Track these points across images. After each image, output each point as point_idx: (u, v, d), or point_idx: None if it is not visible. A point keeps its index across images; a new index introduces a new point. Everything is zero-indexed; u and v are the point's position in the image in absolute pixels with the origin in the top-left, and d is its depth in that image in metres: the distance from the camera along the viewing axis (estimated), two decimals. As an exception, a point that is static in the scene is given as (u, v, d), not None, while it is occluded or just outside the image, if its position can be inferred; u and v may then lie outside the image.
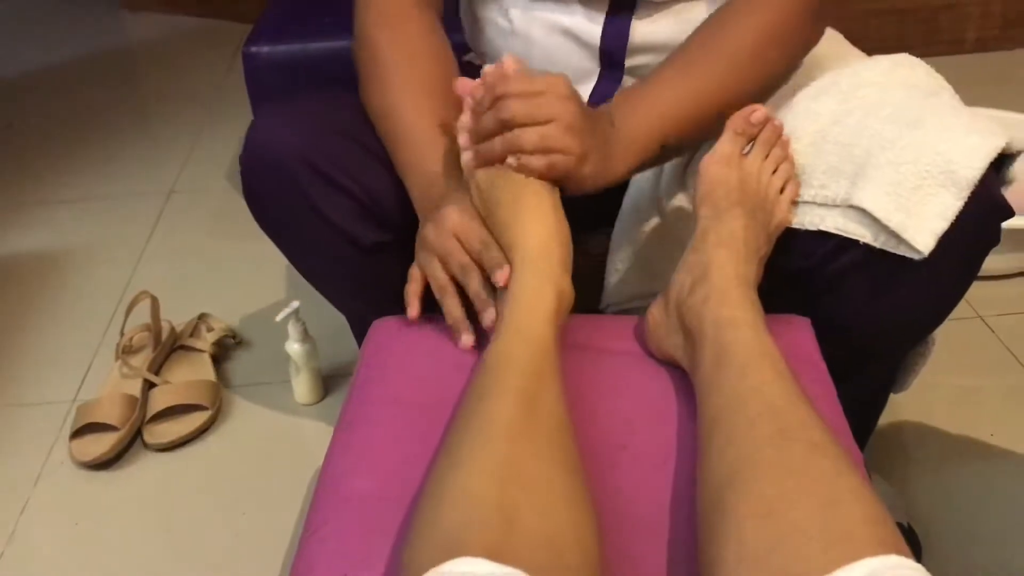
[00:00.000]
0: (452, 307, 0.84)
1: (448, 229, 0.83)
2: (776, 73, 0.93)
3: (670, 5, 0.97)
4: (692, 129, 0.90)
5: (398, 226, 0.94)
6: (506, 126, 0.82)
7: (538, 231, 0.81)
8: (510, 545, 0.56)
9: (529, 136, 0.81)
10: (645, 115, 0.87)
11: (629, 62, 1.00)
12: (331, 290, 1.08)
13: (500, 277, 0.80)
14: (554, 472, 0.64)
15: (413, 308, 0.86)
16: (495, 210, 0.83)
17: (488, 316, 0.81)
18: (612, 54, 1.00)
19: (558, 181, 0.84)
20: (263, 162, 0.94)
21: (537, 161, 0.81)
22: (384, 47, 0.95)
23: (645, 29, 0.98)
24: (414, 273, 0.87)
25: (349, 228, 0.94)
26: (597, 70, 1.01)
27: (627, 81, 1.01)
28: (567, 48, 1.01)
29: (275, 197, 0.95)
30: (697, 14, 0.95)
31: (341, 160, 0.93)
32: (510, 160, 0.82)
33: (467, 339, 0.84)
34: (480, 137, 0.84)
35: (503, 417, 0.67)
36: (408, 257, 0.87)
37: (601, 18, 0.98)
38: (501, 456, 0.64)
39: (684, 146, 0.93)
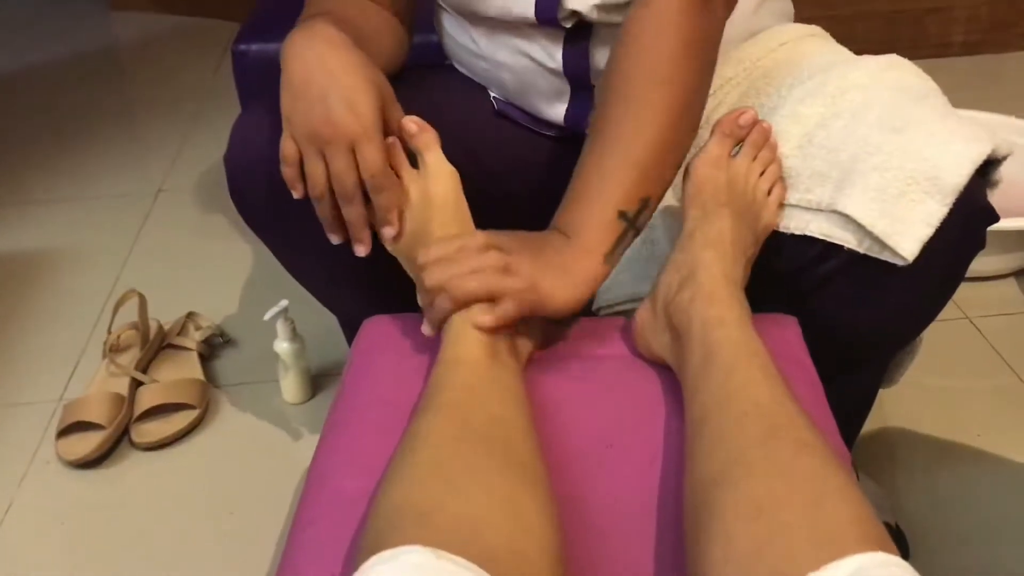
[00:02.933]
0: (362, 212, 0.82)
1: (334, 117, 0.79)
2: (702, 76, 0.87)
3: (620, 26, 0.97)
4: (652, 186, 0.83)
5: None
6: (438, 291, 0.79)
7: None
8: (421, 534, 0.57)
9: (465, 289, 0.77)
10: (591, 204, 0.82)
11: (597, 83, 1.00)
12: (319, 288, 1.08)
13: (388, 233, 0.81)
14: (480, 460, 0.65)
15: (297, 191, 0.83)
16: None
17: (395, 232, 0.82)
18: (578, 77, 0.99)
19: (533, 313, 0.79)
20: (247, 160, 0.94)
21: (484, 315, 0.76)
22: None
23: (605, 53, 0.97)
24: (286, 153, 0.82)
25: None
26: (568, 90, 1.01)
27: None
28: (534, 71, 1.01)
29: (260, 195, 0.95)
30: None
31: None
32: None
33: (369, 245, 0.83)
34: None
35: (431, 429, 0.68)
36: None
37: (560, 46, 0.98)
38: (422, 459, 0.65)
39: (654, 203, 0.85)
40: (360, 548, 0.60)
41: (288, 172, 0.83)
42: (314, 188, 0.82)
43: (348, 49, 0.82)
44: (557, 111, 1.02)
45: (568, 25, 0.95)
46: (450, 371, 0.75)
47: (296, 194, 0.84)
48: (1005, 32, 2.47)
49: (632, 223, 0.82)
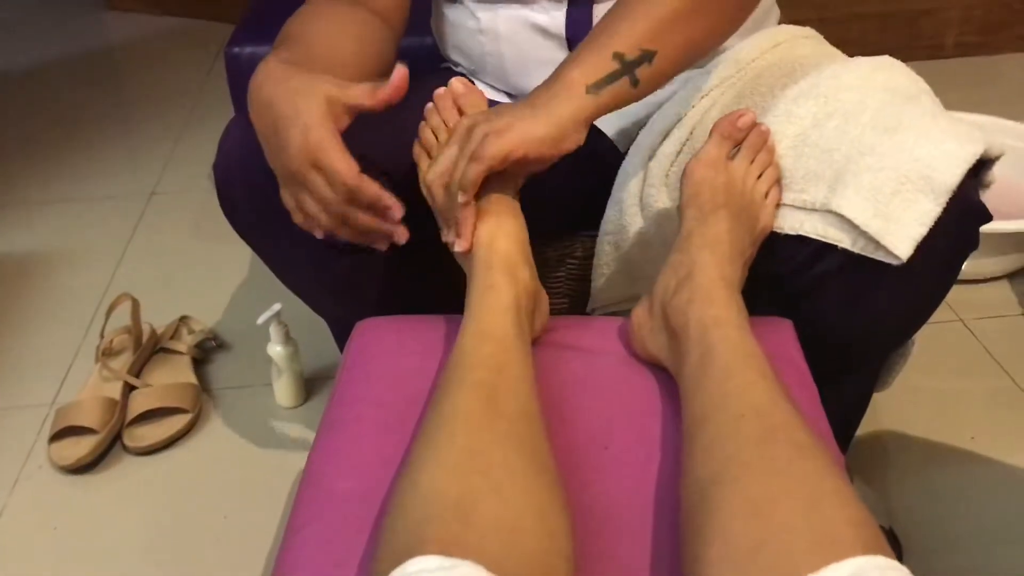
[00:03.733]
0: (362, 218, 0.80)
1: (289, 148, 0.78)
2: (702, 44, 0.88)
3: None
4: (659, 43, 0.82)
5: None
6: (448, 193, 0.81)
7: (483, 228, 0.82)
8: (464, 537, 0.56)
9: (467, 177, 0.79)
10: (586, 45, 0.83)
11: None
12: (309, 294, 1.07)
13: (395, 234, 0.80)
14: (514, 457, 0.64)
15: (392, 228, 0.81)
16: None
17: (397, 208, 0.79)
18: (579, 43, 1.00)
19: (519, 164, 0.79)
20: (235, 170, 0.93)
21: (474, 167, 0.78)
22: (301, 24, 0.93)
23: None
24: (285, 205, 0.83)
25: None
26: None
27: None
28: (535, 41, 1.01)
29: (248, 202, 0.95)
30: None
31: None
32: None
33: (403, 230, 0.81)
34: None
35: (461, 410, 0.67)
36: (385, 259, 0.86)
37: (563, 10, 0.98)
38: (459, 448, 0.64)
39: (658, 62, 0.83)
40: (391, 533, 0.59)
41: (298, 220, 0.83)
42: (318, 221, 0.82)
43: (286, 79, 0.81)
44: None
45: None
46: (478, 345, 0.74)
47: (319, 235, 0.83)
48: (998, 34, 2.48)
49: (627, 67, 0.81)
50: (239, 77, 1.66)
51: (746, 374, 0.71)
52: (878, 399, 1.09)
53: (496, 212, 0.83)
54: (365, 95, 0.80)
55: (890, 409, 1.34)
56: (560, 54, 1.00)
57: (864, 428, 1.14)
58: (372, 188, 0.78)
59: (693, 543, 0.61)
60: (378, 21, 0.98)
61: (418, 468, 0.64)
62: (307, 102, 0.78)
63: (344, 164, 0.77)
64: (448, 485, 0.61)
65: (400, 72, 0.79)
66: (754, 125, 0.88)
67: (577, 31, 0.99)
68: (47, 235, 1.92)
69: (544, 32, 1.00)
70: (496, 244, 0.81)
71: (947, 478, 1.26)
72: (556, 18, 0.99)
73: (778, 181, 0.88)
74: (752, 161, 0.87)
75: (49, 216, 1.99)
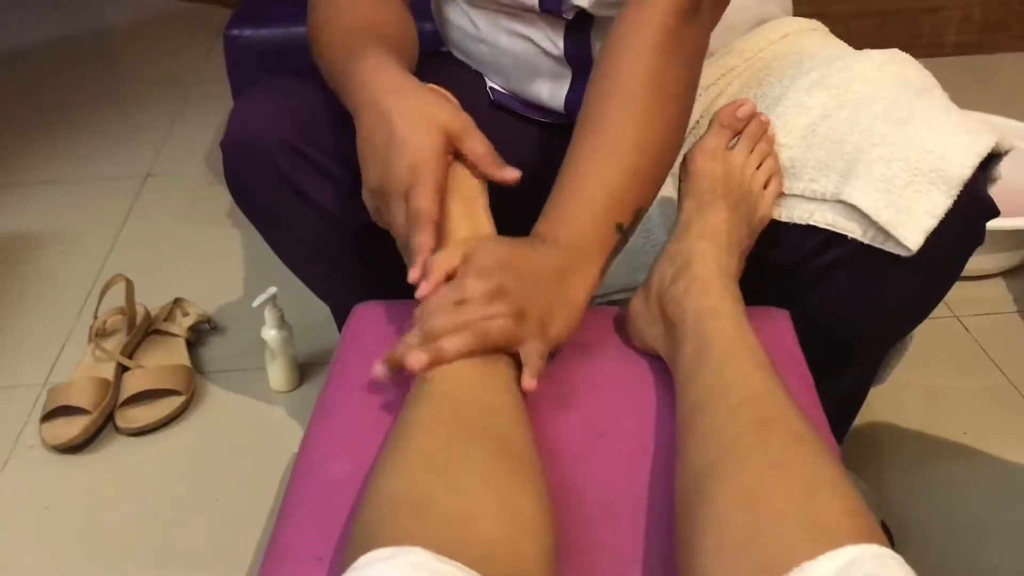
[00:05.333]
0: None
1: (391, 174, 0.78)
2: (693, 87, 0.87)
3: None
4: (646, 195, 0.82)
5: None
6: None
7: (446, 242, 0.79)
8: (414, 529, 0.56)
9: (489, 334, 0.72)
10: (589, 215, 0.79)
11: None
12: (314, 277, 1.07)
13: (412, 275, 0.75)
14: (474, 450, 0.64)
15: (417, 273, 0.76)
16: None
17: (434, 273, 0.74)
18: (579, 63, 0.99)
19: (514, 343, 0.74)
20: (244, 147, 0.92)
21: (528, 380, 0.73)
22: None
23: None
24: (367, 206, 0.82)
25: (335, 211, 0.93)
26: (569, 73, 1.01)
27: None
28: (535, 55, 1.01)
29: (257, 182, 0.94)
30: None
31: (323, 141, 0.92)
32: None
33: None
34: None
35: (419, 418, 0.67)
36: (392, 238, 0.86)
37: (561, 33, 0.98)
38: (414, 449, 0.64)
39: (644, 211, 0.83)
40: (351, 540, 0.59)
41: (375, 218, 0.83)
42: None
43: (410, 92, 0.81)
44: (558, 97, 1.02)
45: (570, 16, 0.95)
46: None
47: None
48: (998, 33, 2.48)
49: (626, 235, 0.81)
50: (238, 60, 1.66)
51: (742, 364, 0.71)
52: (873, 394, 1.10)
53: (460, 229, 0.81)
54: (487, 159, 0.80)
55: (884, 403, 1.34)
56: (562, 68, 1.00)
57: (858, 422, 1.14)
58: (427, 241, 0.76)
59: (687, 532, 0.61)
60: (406, 6, 0.98)
61: (375, 474, 0.64)
62: (428, 134, 0.78)
63: (428, 205, 0.77)
64: (402, 487, 0.60)
65: (515, 174, 0.80)
66: (754, 115, 0.88)
67: (577, 55, 0.98)
68: (42, 216, 1.91)
69: (543, 50, 1.00)
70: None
71: (940, 473, 1.27)
72: (556, 42, 0.98)
73: (777, 172, 0.87)
74: (751, 151, 0.87)
75: (44, 197, 1.98)
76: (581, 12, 0.94)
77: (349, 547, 0.59)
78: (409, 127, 0.78)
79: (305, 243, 0.98)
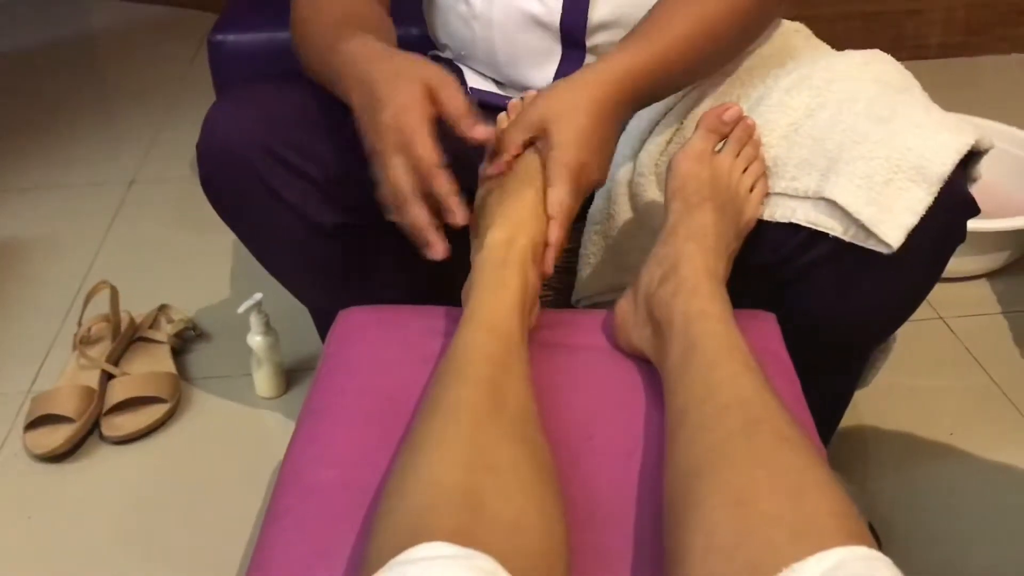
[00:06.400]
0: (420, 215, 0.78)
1: (412, 116, 0.77)
2: (737, 47, 0.94)
3: None
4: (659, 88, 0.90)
5: (361, 207, 0.93)
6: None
7: (505, 222, 0.81)
8: (475, 529, 0.56)
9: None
10: (613, 72, 0.86)
11: (590, 41, 1.01)
12: (293, 280, 1.07)
13: (438, 249, 0.78)
14: (520, 458, 0.64)
15: (435, 240, 0.78)
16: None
17: (461, 215, 0.78)
18: (572, 34, 1.00)
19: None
20: (218, 150, 0.92)
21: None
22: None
23: (604, 7, 0.98)
24: (385, 177, 0.80)
25: (310, 212, 0.93)
26: (559, 50, 1.02)
27: (589, 59, 1.01)
28: (528, 30, 1.01)
29: (232, 184, 0.94)
30: None
31: (299, 143, 0.92)
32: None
33: (441, 247, 0.78)
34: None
35: (468, 403, 0.66)
36: (371, 242, 0.86)
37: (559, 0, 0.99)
38: (466, 441, 0.63)
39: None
40: (392, 515, 0.58)
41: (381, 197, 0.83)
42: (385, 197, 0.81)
43: (387, 58, 0.83)
44: (546, 75, 1.02)
45: None
46: (484, 341, 0.73)
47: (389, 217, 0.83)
48: (981, 35, 2.50)
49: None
50: (222, 66, 1.65)
51: (730, 366, 0.71)
52: (858, 395, 1.10)
53: (520, 210, 0.82)
54: (462, 113, 0.80)
55: (870, 405, 1.35)
56: (552, 45, 1.00)
57: (844, 423, 1.15)
58: (446, 184, 0.77)
59: (676, 534, 0.61)
60: (384, 6, 1.00)
61: (420, 454, 0.63)
62: (407, 85, 0.79)
63: (427, 151, 0.77)
64: (454, 476, 0.60)
65: (486, 132, 0.80)
66: (740, 119, 0.88)
67: (572, 24, 0.99)
68: (26, 221, 1.90)
69: (538, 21, 1.00)
70: (515, 243, 0.80)
71: (926, 473, 1.27)
72: (553, 8, 0.99)
73: (764, 175, 0.88)
74: (738, 155, 0.88)
75: (28, 203, 1.97)
76: None
77: (389, 527, 0.58)
78: (390, 85, 0.79)
79: (282, 245, 0.98)
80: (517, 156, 0.85)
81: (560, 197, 0.82)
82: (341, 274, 0.98)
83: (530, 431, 0.68)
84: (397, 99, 0.78)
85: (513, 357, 0.73)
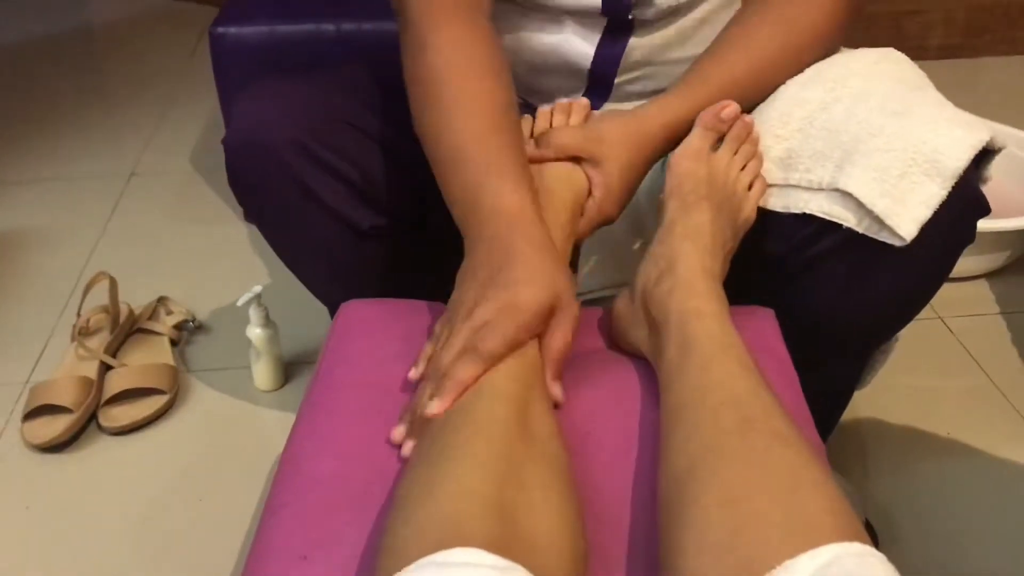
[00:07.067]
0: (462, 371, 0.71)
1: (518, 319, 0.71)
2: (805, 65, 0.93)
3: (669, 22, 0.96)
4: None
5: (395, 209, 0.92)
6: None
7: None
8: (510, 543, 0.56)
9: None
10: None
11: (618, 79, 1.00)
12: (317, 278, 1.05)
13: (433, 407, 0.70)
14: (549, 477, 0.64)
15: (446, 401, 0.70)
16: None
17: (432, 408, 0.70)
18: (602, 75, 0.99)
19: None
20: (252, 146, 0.90)
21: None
22: (438, 58, 0.84)
23: (641, 49, 0.97)
24: (454, 326, 0.74)
25: (346, 213, 0.92)
26: (582, 88, 1.00)
27: (607, 105, 1.00)
28: (552, 66, 0.99)
29: (265, 182, 0.91)
30: (690, 24, 0.95)
31: (336, 143, 0.90)
32: None
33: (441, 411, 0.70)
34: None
35: (500, 417, 0.66)
36: (400, 242, 0.84)
37: (596, 39, 0.97)
38: (498, 455, 0.63)
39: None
40: (418, 517, 0.58)
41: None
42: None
43: (533, 240, 0.75)
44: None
45: (646, 16, 0.95)
46: (508, 359, 0.71)
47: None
48: (981, 37, 2.50)
49: None
50: (223, 58, 1.65)
51: (725, 365, 0.71)
52: (857, 394, 1.10)
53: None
54: (556, 353, 0.74)
55: (868, 403, 1.35)
56: (575, 84, 1.00)
57: (843, 421, 1.15)
58: (467, 383, 0.71)
59: (671, 532, 0.61)
60: (494, 30, 0.90)
61: (450, 462, 0.62)
62: (539, 291, 0.72)
63: (493, 359, 0.71)
64: (488, 488, 0.59)
65: (558, 395, 0.75)
66: (738, 117, 0.88)
67: (604, 64, 0.98)
68: (25, 213, 1.90)
69: (565, 59, 0.98)
70: None
71: (923, 472, 1.27)
72: (586, 48, 0.97)
73: (761, 174, 0.88)
74: (735, 153, 0.88)
75: (28, 195, 1.96)
76: (623, 18, 0.94)
77: (417, 531, 0.57)
78: (527, 272, 0.73)
79: (312, 244, 0.96)
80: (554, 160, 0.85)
81: (561, 342, 0.75)
82: (364, 272, 0.96)
83: (557, 453, 0.67)
84: (521, 294, 0.72)
85: (535, 378, 0.72)
